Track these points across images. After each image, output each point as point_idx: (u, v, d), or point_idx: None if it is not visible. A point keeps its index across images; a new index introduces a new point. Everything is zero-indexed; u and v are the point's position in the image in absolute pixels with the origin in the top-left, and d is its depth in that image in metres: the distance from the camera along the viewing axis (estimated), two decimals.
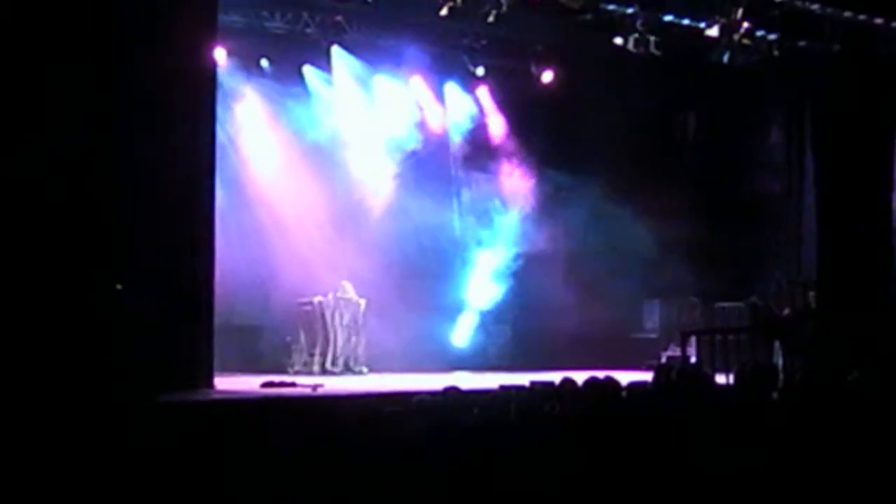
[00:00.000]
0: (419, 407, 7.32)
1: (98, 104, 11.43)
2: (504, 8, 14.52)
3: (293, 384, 13.43)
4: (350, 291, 16.17)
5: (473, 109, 18.61)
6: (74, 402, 10.34)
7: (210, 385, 12.30)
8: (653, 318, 18.76)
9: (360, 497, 5.95)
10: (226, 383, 12.73)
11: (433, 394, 8.11)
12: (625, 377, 7.83)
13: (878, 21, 16.71)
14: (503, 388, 9.11)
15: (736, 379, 8.39)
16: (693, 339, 15.76)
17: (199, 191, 12.51)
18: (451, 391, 8.14)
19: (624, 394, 7.43)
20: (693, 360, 15.10)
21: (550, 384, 8.40)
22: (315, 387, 13.02)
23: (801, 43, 16.93)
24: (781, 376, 10.72)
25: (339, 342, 16.11)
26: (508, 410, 7.29)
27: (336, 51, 17.06)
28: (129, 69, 11.56)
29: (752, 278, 18.05)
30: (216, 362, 12.71)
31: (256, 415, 11.19)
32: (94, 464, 9.83)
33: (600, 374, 7.41)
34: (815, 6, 16.19)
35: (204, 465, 9.66)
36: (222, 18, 13.60)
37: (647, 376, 8.61)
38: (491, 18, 14.78)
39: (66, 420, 10.08)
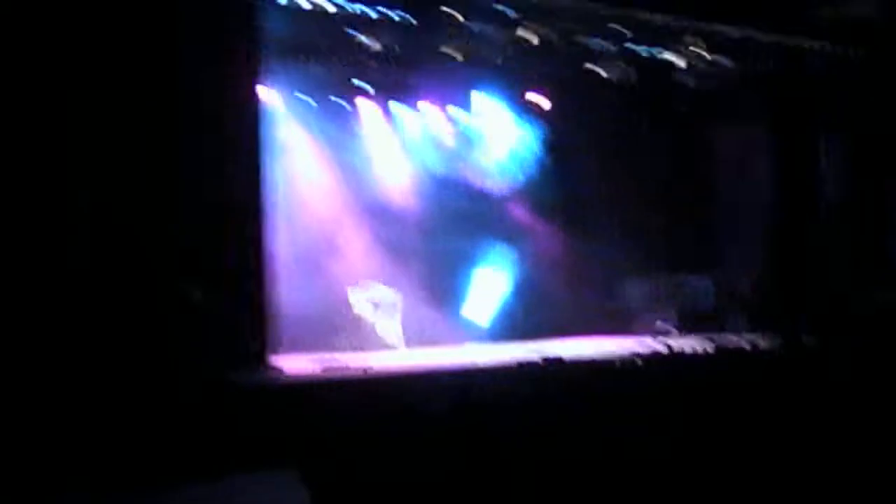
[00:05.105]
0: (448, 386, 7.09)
1: (169, 136, 11.32)
2: (507, 51, 14.37)
3: (347, 366, 12.71)
4: (379, 289, 15.98)
5: (480, 127, 18.38)
6: (161, 379, 10.21)
7: (276, 365, 12.04)
8: (633, 292, 18.40)
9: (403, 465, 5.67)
10: (287, 363, 12.40)
11: (456, 372, 7.86)
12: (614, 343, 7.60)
13: (806, 44, 16.43)
14: (521, 364, 8.79)
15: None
16: (671, 310, 15.72)
17: (256, 203, 12.27)
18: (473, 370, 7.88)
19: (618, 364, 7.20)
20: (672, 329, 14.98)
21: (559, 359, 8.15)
22: (366, 369, 12.43)
23: (747, 64, 16.70)
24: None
25: (376, 326, 15.86)
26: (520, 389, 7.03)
27: (364, 85, 16.84)
28: (194, 111, 11.45)
29: (716, 258, 17.79)
30: (276, 345, 12.45)
31: (320, 393, 10.87)
32: (176, 429, 9.66)
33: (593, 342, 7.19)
34: (759, 34, 16.00)
35: (275, 436, 9.45)
36: (271, 64, 13.33)
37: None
38: (497, 60, 14.62)
39: (155, 392, 9.94)
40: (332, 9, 13.25)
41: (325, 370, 12.51)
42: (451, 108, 18.13)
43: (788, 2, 16.08)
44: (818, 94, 17.17)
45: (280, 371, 11.96)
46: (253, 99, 12.49)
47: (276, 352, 12.36)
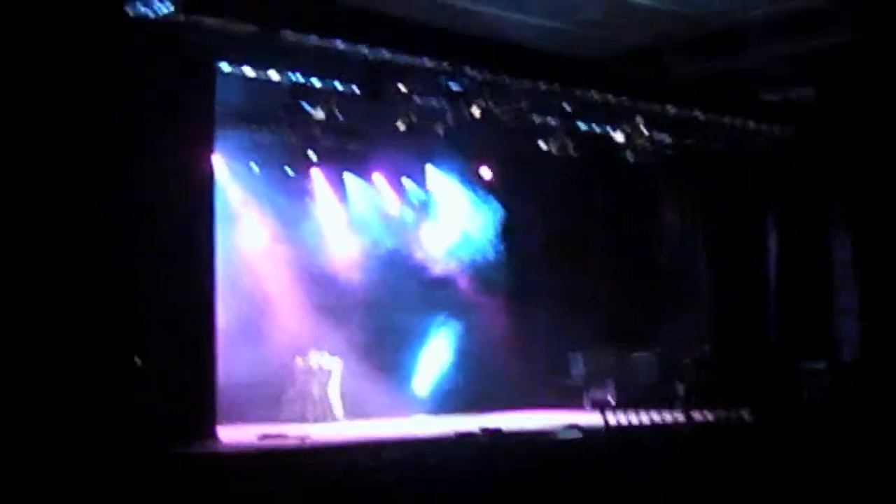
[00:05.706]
0: (390, 459, 7.06)
1: (118, 204, 11.19)
2: (451, 124, 14.43)
3: (285, 436, 12.71)
4: (318, 357, 15.93)
5: (427, 201, 18.50)
6: (104, 448, 10.01)
7: (214, 436, 11.91)
8: (577, 367, 18.46)
9: None
10: (227, 433, 12.31)
11: (395, 443, 7.84)
12: (557, 417, 7.65)
13: (751, 124, 16.73)
14: (459, 435, 8.84)
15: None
16: (614, 385, 15.83)
17: (202, 271, 12.27)
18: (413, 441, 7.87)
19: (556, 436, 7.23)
20: (613, 401, 15.03)
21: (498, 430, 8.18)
22: (303, 438, 12.46)
23: (689, 142, 16.95)
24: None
25: (317, 395, 15.74)
26: (464, 459, 7.04)
27: (311, 154, 16.76)
28: (145, 179, 11.40)
29: (659, 333, 17.89)
30: (218, 415, 12.32)
31: (256, 465, 10.77)
32: (117, 498, 9.42)
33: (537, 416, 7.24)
34: (700, 114, 16.25)
35: None
36: (218, 131, 13.29)
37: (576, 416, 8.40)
38: (440, 132, 14.66)
39: (98, 461, 9.73)
40: (276, 77, 13.28)
41: (262, 440, 12.47)
42: (404, 181, 18.23)
43: (734, 85, 16.42)
44: (761, 173, 17.42)
45: (219, 441, 11.85)
46: (205, 167, 12.47)
47: (217, 422, 12.23)
